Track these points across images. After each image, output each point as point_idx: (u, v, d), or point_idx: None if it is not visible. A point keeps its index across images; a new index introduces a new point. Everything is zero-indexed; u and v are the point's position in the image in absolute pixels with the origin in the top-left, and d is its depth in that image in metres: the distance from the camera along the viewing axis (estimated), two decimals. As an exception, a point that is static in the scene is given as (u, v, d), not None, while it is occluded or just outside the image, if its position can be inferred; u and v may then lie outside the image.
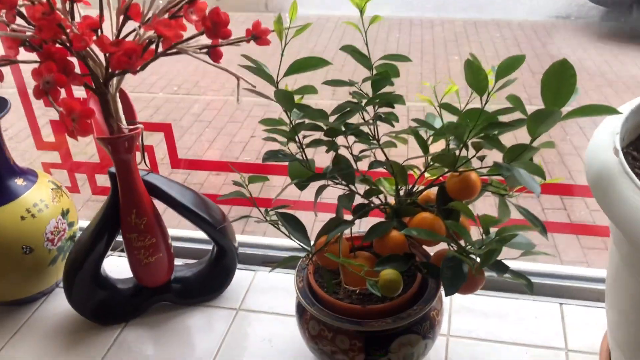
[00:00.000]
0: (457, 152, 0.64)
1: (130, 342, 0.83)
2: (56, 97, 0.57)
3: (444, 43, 4.58)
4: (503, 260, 0.62)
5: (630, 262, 0.56)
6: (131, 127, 0.74)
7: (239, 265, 0.90)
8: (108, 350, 0.82)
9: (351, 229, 0.69)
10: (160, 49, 0.57)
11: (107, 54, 0.66)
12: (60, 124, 1.00)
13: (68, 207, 0.89)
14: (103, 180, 1.08)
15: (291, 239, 0.67)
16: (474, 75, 0.57)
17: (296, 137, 0.72)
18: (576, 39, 4.65)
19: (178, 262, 0.89)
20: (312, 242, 0.68)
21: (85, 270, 0.81)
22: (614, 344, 0.67)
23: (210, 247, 0.91)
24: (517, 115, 0.60)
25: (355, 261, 0.63)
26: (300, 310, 0.73)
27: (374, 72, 0.72)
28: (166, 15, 0.61)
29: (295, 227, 0.67)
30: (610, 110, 0.54)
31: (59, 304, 0.90)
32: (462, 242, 0.64)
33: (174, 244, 0.88)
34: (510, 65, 0.57)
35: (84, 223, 0.96)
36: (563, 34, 4.79)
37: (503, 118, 0.63)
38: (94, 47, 0.66)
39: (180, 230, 1.00)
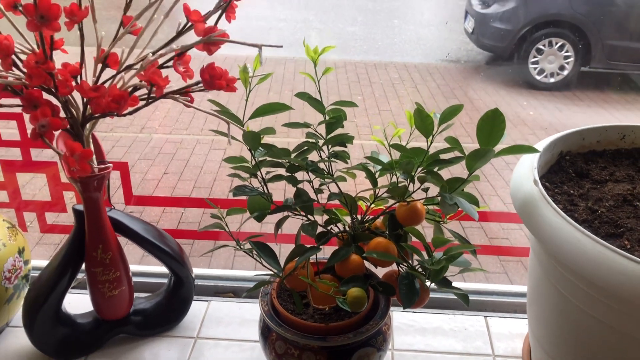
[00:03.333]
0: (406, 185, 0.74)
1: (91, 375, 0.85)
2: (51, 139, 0.61)
3: (347, 84, 4.83)
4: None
5: (550, 273, 0.69)
6: (101, 166, 0.78)
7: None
8: (70, 385, 0.84)
9: (316, 256, 0.78)
10: (153, 95, 0.63)
11: (86, 99, 0.71)
12: (8, 162, 1.01)
13: (23, 246, 0.90)
14: (52, 218, 1.09)
15: (263, 265, 0.74)
16: (423, 120, 0.68)
17: (258, 173, 0.80)
18: (466, 80, 5.07)
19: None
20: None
21: (48, 307, 0.83)
22: (535, 343, 0.79)
23: (165, 280, 0.95)
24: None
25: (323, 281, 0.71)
26: (266, 332, 0.79)
27: (327, 116, 0.82)
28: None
29: (268, 254, 0.74)
30: (532, 150, 0.67)
31: (12, 343, 0.90)
32: (410, 262, 0.74)
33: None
34: (451, 113, 0.69)
35: (36, 262, 0.97)
36: (454, 76, 5.21)
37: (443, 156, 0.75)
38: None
39: (138, 265, 1.03)
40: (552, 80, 4.84)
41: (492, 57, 5.45)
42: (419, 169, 0.73)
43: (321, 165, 0.80)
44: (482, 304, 0.98)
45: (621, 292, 0.56)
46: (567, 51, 4.77)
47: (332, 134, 0.82)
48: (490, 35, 4.97)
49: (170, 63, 0.64)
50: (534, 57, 4.81)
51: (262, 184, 0.80)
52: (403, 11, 7.49)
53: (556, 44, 4.75)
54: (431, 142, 0.71)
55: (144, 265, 1.03)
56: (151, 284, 1.01)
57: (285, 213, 0.79)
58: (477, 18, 5.09)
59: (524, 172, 0.72)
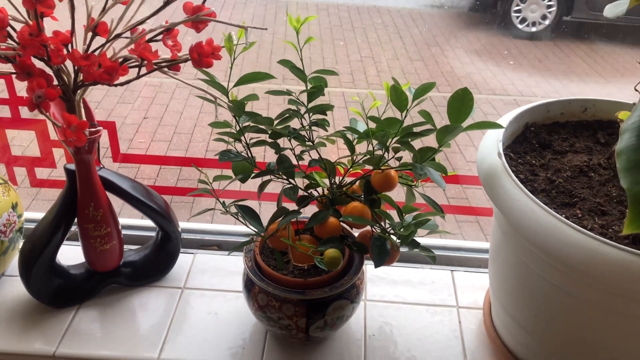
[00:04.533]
0: (381, 154, 0.80)
1: (86, 322, 0.92)
2: (47, 109, 0.65)
3: (329, 28, 4.79)
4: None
5: (509, 238, 0.76)
6: (92, 129, 0.82)
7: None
8: (66, 331, 0.90)
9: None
10: (143, 70, 0.66)
11: (77, 67, 0.74)
12: (-3, 119, 1.03)
13: (16, 201, 0.94)
14: (40, 173, 1.12)
15: (248, 226, 0.80)
16: (398, 96, 0.73)
17: (242, 138, 0.84)
18: (449, 27, 5.05)
19: (126, 247, 0.98)
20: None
21: (42, 260, 0.88)
22: (494, 299, 0.87)
23: (153, 233, 1.01)
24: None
25: (302, 243, 0.77)
26: (249, 286, 0.86)
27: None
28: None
29: (252, 216, 0.80)
30: (496, 126, 0.72)
31: (8, 291, 0.96)
32: (383, 225, 0.80)
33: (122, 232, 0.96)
34: (425, 89, 0.73)
35: (29, 214, 1.01)
36: (437, 22, 5.18)
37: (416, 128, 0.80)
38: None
39: (126, 219, 1.08)
40: (533, 29, 4.85)
41: (475, 4, 5.42)
42: (394, 139, 0.78)
43: (303, 132, 0.85)
44: (448, 259, 1.06)
45: (571, 261, 0.62)
46: (549, 0, 4.77)
47: (312, 103, 0.86)
48: (474, -19, 4.93)
49: (160, 37, 0.67)
50: (517, 5, 4.80)
51: (246, 148, 0.85)
52: (388, -48, 7.33)
53: (539, -8, 4.74)
54: (405, 116, 0.76)
55: (133, 219, 1.08)
56: (140, 237, 1.07)
57: (268, 177, 0.84)
58: (462, -37, 5.02)
59: (490, 144, 0.78)
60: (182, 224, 1.08)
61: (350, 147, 0.84)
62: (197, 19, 0.63)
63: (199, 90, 0.73)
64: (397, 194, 0.84)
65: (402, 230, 0.74)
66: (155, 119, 2.83)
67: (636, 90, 0.77)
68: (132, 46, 0.65)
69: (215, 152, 0.84)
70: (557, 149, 0.84)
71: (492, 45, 4.67)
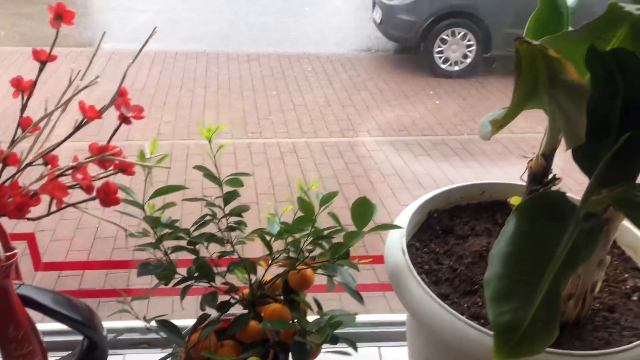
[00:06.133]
0: (295, 257, 0.84)
1: None
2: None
3: (261, 78, 4.86)
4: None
5: (417, 323, 0.80)
6: (8, 254, 0.82)
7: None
8: None
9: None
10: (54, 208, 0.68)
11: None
12: None
13: None
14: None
15: (169, 342, 0.81)
16: (306, 208, 0.77)
17: (161, 246, 0.87)
18: (377, 71, 5.22)
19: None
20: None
21: (-37, 385, 0.86)
22: (415, 379, 0.92)
23: (80, 337, 1.01)
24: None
25: (223, 352, 0.80)
26: (177, 392, 0.87)
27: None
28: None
29: (172, 330, 0.81)
30: (396, 227, 0.78)
31: None
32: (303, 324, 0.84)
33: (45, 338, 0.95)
34: (329, 197, 0.78)
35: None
36: (366, 66, 5.35)
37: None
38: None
39: (52, 324, 1.07)
40: (456, 68, 5.10)
41: (400, 46, 5.64)
42: (307, 241, 0.83)
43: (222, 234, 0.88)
44: (374, 335, 1.10)
45: (472, 356, 0.68)
46: (469, 40, 5.03)
47: (230, 206, 0.89)
48: (397, 26, 5.15)
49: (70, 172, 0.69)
50: (439, 46, 5.04)
51: (166, 255, 0.87)
52: (314, -1, 7.56)
53: (459, 33, 5.00)
54: (314, 222, 0.80)
55: (59, 324, 1.07)
56: (67, 343, 1.06)
57: (189, 282, 0.87)
58: (384, 9, 5.24)
59: (396, 239, 0.83)
60: (110, 324, 1.08)
61: (268, 246, 0.88)
62: (103, 158, 0.66)
63: (110, 222, 0.75)
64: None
65: (317, 335, 0.77)
66: (72, 220, 2.68)
67: (521, 179, 0.84)
68: (44, 180, 0.67)
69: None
70: (459, 234, 0.90)
71: (419, 86, 4.86)
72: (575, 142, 0.61)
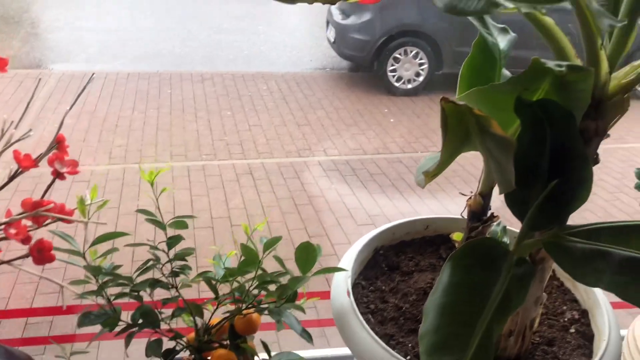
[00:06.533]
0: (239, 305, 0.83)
1: None
2: None
3: (216, 97, 4.84)
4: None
5: None
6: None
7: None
8: None
9: None
10: (-16, 266, 0.66)
11: None
12: None
13: None
14: None
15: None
16: (249, 254, 0.77)
17: (103, 293, 0.85)
18: (332, 89, 5.26)
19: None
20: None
21: None
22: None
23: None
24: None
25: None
26: None
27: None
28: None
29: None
30: (340, 269, 0.78)
31: None
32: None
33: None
34: (273, 242, 0.78)
35: None
36: (321, 85, 5.39)
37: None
38: None
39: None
40: (409, 86, 5.19)
41: (355, 65, 5.71)
42: (252, 285, 0.82)
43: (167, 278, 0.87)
44: (326, 370, 1.10)
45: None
46: (421, 58, 5.14)
47: (174, 250, 0.88)
48: (350, 45, 5.21)
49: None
50: (392, 65, 5.12)
51: (109, 303, 0.85)
52: (268, 17, 7.58)
53: (411, 52, 5.09)
54: (258, 266, 0.80)
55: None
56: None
57: (134, 329, 0.85)
58: (338, 28, 5.30)
59: (341, 280, 0.83)
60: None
61: (214, 290, 0.87)
62: (37, 214, 0.64)
63: (46, 279, 0.73)
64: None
65: (264, 381, 0.77)
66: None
67: (462, 216, 0.86)
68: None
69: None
70: (404, 270, 0.91)
71: (373, 104, 4.92)
72: (507, 189, 0.63)
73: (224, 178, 3.50)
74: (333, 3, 0.63)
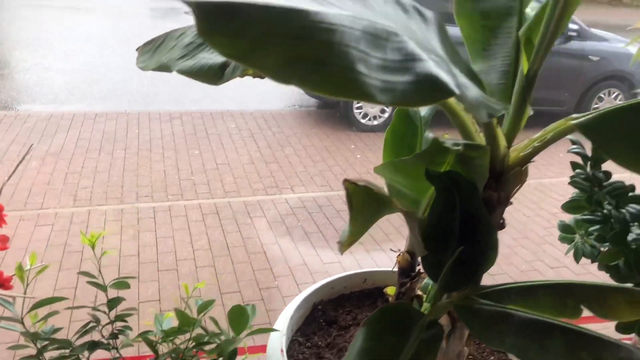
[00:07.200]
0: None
1: None
2: None
3: (183, 137, 4.85)
4: None
5: None
6: None
7: None
8: None
9: None
10: None
11: None
12: None
13: None
14: None
15: None
16: (183, 319, 0.80)
17: (41, 358, 0.86)
18: (300, 126, 5.33)
19: None
20: None
21: None
22: None
23: None
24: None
25: None
26: None
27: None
28: None
29: None
30: (273, 330, 0.81)
31: None
32: None
33: None
34: (206, 305, 0.81)
35: None
36: (289, 122, 5.45)
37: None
38: None
39: None
40: (375, 122, 5.29)
41: (322, 102, 5.81)
42: (189, 344, 0.85)
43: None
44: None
45: None
46: (386, 95, 5.24)
47: (114, 312, 0.90)
48: (317, 83, 5.29)
49: None
50: (357, 102, 5.22)
51: (50, 366, 0.86)
52: (237, 55, 7.65)
53: (376, 89, 5.20)
54: (194, 327, 0.83)
55: None
56: None
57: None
58: (305, 67, 5.39)
59: (276, 339, 0.86)
60: None
61: (154, 350, 0.89)
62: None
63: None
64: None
65: None
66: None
67: (393, 271, 0.90)
68: None
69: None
70: (341, 324, 0.94)
71: (340, 140, 5.00)
72: (420, 253, 0.67)
73: (189, 218, 3.50)
74: (262, 78, 0.68)
